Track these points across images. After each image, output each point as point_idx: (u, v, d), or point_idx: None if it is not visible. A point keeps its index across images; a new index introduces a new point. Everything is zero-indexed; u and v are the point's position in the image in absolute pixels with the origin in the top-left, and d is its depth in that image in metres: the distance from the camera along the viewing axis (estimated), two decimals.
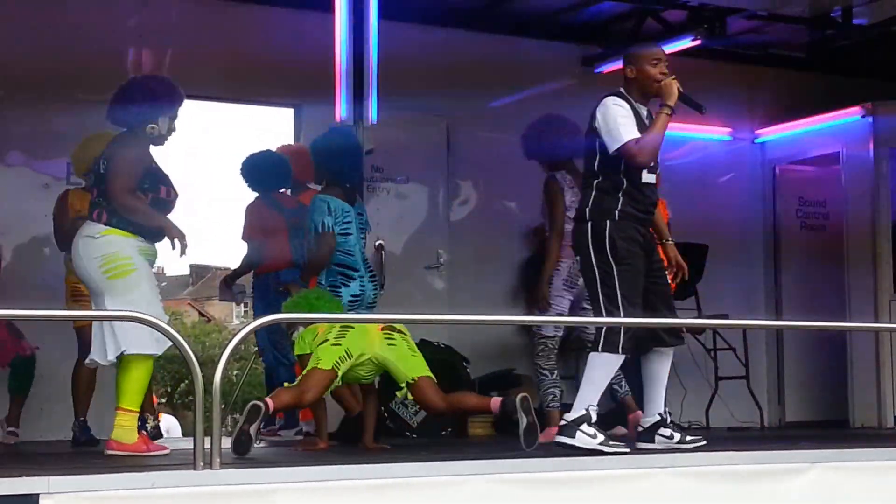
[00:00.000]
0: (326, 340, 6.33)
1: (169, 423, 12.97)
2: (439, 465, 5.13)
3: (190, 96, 9.62)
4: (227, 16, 9.00)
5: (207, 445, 4.71)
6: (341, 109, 7.54)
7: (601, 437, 5.70)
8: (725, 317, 9.69)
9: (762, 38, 10.26)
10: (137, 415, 6.11)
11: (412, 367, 6.35)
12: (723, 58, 10.50)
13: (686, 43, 9.52)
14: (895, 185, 10.05)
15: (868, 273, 10.04)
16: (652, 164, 6.00)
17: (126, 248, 6.02)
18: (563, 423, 5.83)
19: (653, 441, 6.01)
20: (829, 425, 10.35)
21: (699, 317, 9.62)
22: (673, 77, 6.00)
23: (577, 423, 5.73)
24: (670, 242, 6.39)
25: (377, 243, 8.98)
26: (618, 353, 5.80)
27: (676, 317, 6.44)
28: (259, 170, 8.35)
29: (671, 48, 9.61)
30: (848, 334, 10.16)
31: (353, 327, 6.33)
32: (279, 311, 7.18)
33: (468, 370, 8.72)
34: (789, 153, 10.92)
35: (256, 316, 8.16)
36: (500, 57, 9.71)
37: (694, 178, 10.18)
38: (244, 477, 4.72)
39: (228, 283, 8.54)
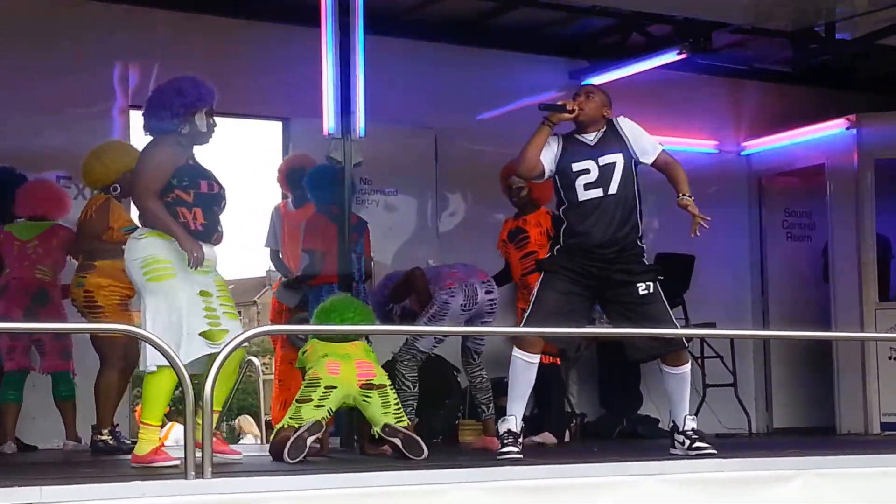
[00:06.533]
0: (310, 400, 6.34)
1: (178, 434, 12.83)
2: (429, 473, 5.13)
3: None
4: (215, 31, 9.04)
5: (199, 454, 4.70)
6: (329, 122, 7.53)
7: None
8: (713, 326, 9.75)
9: (747, 52, 10.34)
10: (157, 428, 5.82)
11: (378, 422, 6.42)
12: (708, 71, 10.57)
13: (672, 57, 9.58)
14: (878, 195, 10.12)
15: (853, 282, 10.09)
16: (591, 181, 6.17)
17: (166, 252, 5.76)
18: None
19: (673, 446, 6.32)
20: (816, 432, 10.43)
21: (686, 326, 9.67)
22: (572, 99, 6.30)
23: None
24: (687, 197, 6.32)
25: None
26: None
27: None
28: None
29: (657, 62, 9.75)
30: (834, 342, 10.23)
31: (336, 387, 6.37)
32: None
33: (458, 379, 8.74)
34: (775, 165, 10.98)
35: None
36: (488, 70, 9.79)
37: None
38: (235, 486, 4.68)
39: None
